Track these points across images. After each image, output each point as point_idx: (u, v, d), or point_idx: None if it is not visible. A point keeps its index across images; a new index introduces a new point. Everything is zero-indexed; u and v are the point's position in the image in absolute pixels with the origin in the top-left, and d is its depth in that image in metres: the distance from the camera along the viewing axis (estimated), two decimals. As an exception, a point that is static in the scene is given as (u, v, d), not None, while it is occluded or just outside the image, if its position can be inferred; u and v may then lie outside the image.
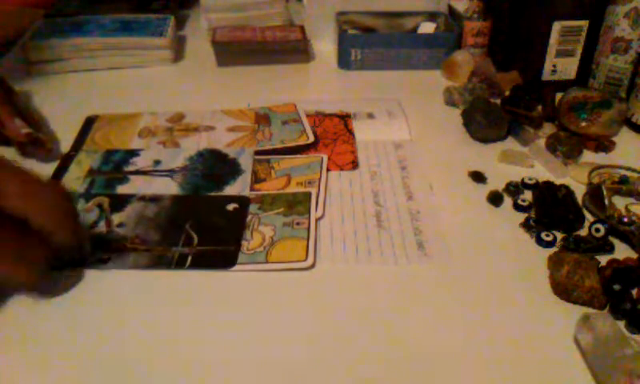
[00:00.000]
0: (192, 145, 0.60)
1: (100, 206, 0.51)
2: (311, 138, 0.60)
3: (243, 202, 0.52)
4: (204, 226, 0.49)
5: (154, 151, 0.59)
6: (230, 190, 0.53)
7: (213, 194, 0.53)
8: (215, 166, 0.57)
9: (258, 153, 0.59)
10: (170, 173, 0.56)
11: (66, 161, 0.58)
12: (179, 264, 0.45)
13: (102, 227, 0.48)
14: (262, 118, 0.65)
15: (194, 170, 0.56)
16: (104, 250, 0.46)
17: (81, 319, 0.40)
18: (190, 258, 0.45)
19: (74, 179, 0.55)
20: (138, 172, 0.56)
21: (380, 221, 0.50)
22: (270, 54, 0.81)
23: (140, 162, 0.57)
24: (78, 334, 0.39)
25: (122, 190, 0.53)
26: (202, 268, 0.44)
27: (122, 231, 0.48)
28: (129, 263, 0.45)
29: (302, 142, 0.60)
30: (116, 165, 0.57)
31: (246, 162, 0.57)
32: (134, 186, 0.54)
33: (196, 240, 0.47)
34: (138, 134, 0.63)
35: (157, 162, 0.57)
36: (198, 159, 0.58)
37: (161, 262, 0.45)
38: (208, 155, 0.58)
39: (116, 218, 0.50)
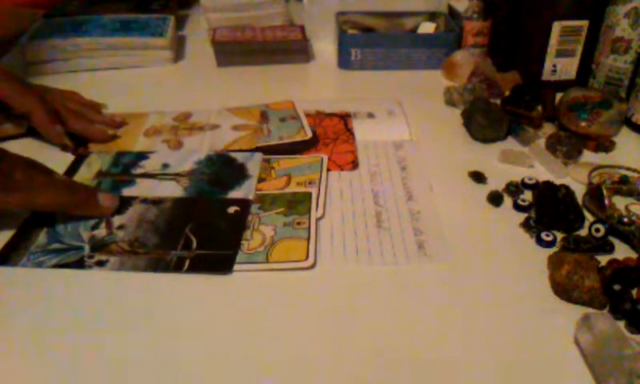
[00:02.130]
0: (195, 144, 0.61)
1: None
2: (309, 134, 0.60)
3: (244, 204, 0.51)
4: (204, 230, 0.48)
5: (163, 154, 0.59)
6: (235, 195, 0.53)
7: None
8: (222, 171, 0.56)
9: (257, 149, 0.59)
10: (177, 177, 0.56)
11: (77, 161, 0.58)
12: (177, 268, 0.45)
13: (102, 229, 0.49)
14: (260, 116, 0.65)
15: (201, 174, 0.56)
16: (103, 253, 0.46)
17: (78, 321, 0.40)
18: (187, 262, 0.45)
19: (82, 180, 0.55)
20: (145, 175, 0.56)
21: (380, 221, 0.50)
22: (270, 53, 0.81)
23: (149, 165, 0.57)
24: (76, 336, 0.39)
25: (127, 192, 0.53)
26: (199, 272, 0.44)
27: (122, 234, 0.48)
28: (127, 266, 0.45)
29: (300, 138, 0.60)
30: (125, 167, 0.57)
31: (253, 167, 0.57)
32: (140, 188, 0.54)
33: (195, 244, 0.47)
34: (143, 133, 0.63)
35: (165, 166, 0.57)
36: (206, 163, 0.57)
37: (159, 265, 0.45)
38: (216, 159, 0.58)
39: (117, 220, 0.50)
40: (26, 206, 0.48)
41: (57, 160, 0.57)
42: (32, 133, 0.61)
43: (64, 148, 0.59)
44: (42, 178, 0.48)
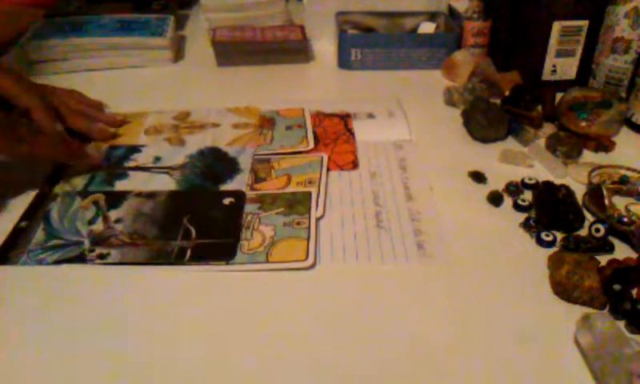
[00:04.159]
0: (197, 142, 0.61)
1: (96, 203, 0.51)
2: (311, 145, 0.60)
3: (239, 196, 0.52)
4: (201, 220, 0.49)
5: (155, 148, 0.60)
6: (227, 189, 0.53)
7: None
8: (214, 165, 0.57)
9: (256, 156, 0.59)
10: (169, 170, 0.56)
11: None
12: (179, 258, 0.45)
13: (99, 224, 0.49)
14: (267, 122, 0.65)
15: (193, 167, 0.56)
16: (103, 246, 0.46)
17: (81, 314, 0.41)
18: (189, 252, 0.45)
19: (75, 174, 0.55)
20: (137, 168, 0.56)
21: (380, 221, 0.50)
22: (269, 53, 0.81)
23: (141, 159, 0.58)
24: (78, 330, 0.39)
25: (120, 186, 0.54)
26: (202, 261, 0.45)
27: (120, 227, 0.48)
28: (128, 258, 0.45)
29: (300, 148, 0.60)
30: (117, 161, 0.57)
31: (245, 162, 0.57)
32: (132, 182, 0.54)
33: (194, 233, 0.47)
34: (144, 131, 0.63)
35: (157, 159, 0.58)
36: (198, 157, 0.58)
37: (160, 256, 0.45)
38: (208, 153, 0.58)
39: (113, 214, 0.50)
40: (30, 156, 0.52)
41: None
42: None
43: None
44: (41, 133, 0.54)
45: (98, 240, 0.47)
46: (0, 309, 0.41)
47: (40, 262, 0.45)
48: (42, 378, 0.36)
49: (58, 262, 0.45)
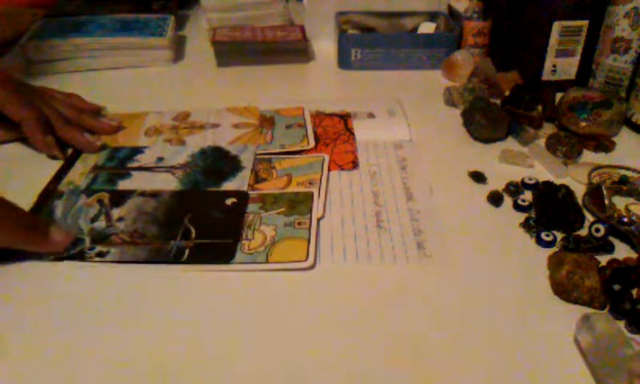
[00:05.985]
0: (198, 142, 0.61)
1: (100, 201, 0.52)
2: (312, 144, 0.60)
3: (242, 196, 0.52)
4: (202, 220, 0.49)
5: (158, 148, 0.60)
6: (229, 186, 0.54)
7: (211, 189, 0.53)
8: (216, 163, 0.57)
9: (257, 157, 0.59)
10: (171, 169, 0.56)
11: (72, 157, 0.58)
12: (177, 257, 0.45)
13: (101, 221, 0.49)
14: (267, 121, 0.65)
15: (195, 166, 0.56)
16: (103, 244, 0.46)
17: (79, 312, 0.41)
18: (187, 252, 0.45)
19: (78, 174, 0.56)
20: (140, 168, 0.56)
21: (380, 221, 0.50)
22: (269, 53, 0.81)
23: (144, 159, 0.58)
24: (77, 327, 0.39)
25: (123, 185, 0.54)
26: (200, 262, 0.45)
27: (121, 225, 0.48)
28: (127, 257, 0.45)
29: (301, 147, 0.60)
30: (120, 161, 0.58)
31: (247, 159, 0.57)
32: (135, 181, 0.54)
33: (194, 234, 0.47)
34: (144, 133, 0.63)
35: (160, 159, 0.58)
36: (200, 156, 0.58)
37: (159, 255, 0.45)
38: (210, 152, 0.59)
39: (116, 212, 0.50)
40: None
41: (50, 162, 0.58)
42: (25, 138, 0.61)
43: (53, 157, 0.58)
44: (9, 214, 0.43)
45: (98, 238, 0.47)
46: None
47: (40, 259, 0.45)
48: (40, 376, 0.36)
49: (57, 260, 0.45)
